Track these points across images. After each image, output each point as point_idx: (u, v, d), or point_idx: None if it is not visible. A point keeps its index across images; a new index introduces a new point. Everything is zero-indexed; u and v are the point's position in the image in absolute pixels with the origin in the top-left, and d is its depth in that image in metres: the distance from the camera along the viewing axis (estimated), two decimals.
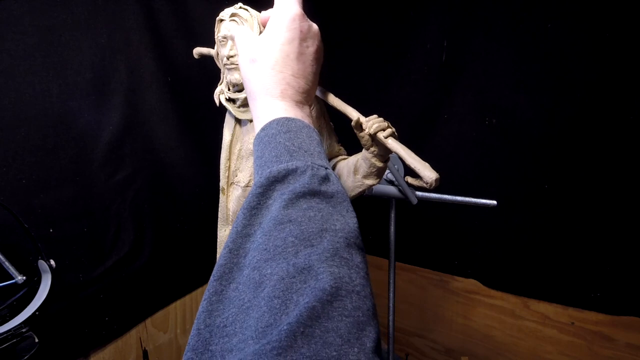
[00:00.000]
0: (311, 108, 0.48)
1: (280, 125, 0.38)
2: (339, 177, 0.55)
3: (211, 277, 0.28)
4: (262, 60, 0.42)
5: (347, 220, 0.30)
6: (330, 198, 0.32)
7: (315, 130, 0.40)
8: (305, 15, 0.44)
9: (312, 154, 0.36)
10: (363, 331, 0.24)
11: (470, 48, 1.26)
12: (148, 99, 1.11)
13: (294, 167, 0.33)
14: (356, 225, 0.31)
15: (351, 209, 0.32)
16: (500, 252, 1.35)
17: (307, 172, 0.32)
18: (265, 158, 0.35)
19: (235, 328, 0.25)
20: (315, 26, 0.45)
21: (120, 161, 1.05)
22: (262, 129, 0.38)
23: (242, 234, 0.30)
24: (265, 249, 0.28)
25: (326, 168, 0.34)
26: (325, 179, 0.33)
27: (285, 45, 0.42)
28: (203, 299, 0.27)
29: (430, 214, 1.45)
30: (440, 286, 1.53)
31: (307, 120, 0.40)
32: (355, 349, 0.22)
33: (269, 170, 0.33)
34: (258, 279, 0.26)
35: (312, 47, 0.44)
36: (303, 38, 0.43)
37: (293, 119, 0.39)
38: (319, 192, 0.31)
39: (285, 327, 0.22)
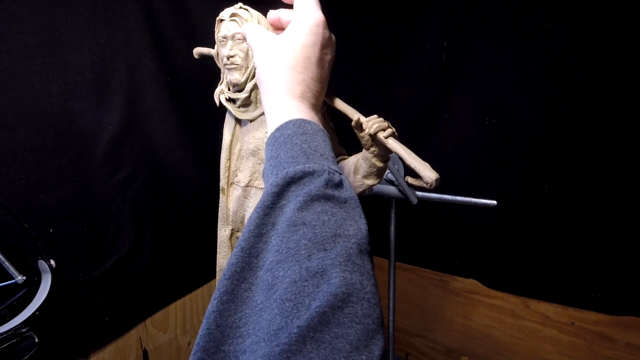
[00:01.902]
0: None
1: (296, 127, 0.37)
2: None
3: (222, 276, 0.28)
4: (283, 59, 0.42)
5: (359, 227, 0.30)
6: (344, 203, 0.32)
7: (328, 135, 0.40)
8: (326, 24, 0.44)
9: (327, 158, 0.36)
10: (372, 339, 0.23)
11: (470, 48, 1.26)
12: (148, 99, 1.11)
13: (311, 169, 0.33)
14: (367, 232, 0.31)
15: (363, 215, 0.32)
16: (500, 252, 1.35)
17: (322, 175, 0.32)
18: (281, 158, 0.35)
19: (249, 329, 0.25)
20: (333, 36, 0.46)
21: (120, 161, 1.05)
22: (278, 129, 0.38)
23: (255, 234, 0.29)
24: (278, 251, 0.28)
25: (340, 174, 0.34)
26: (340, 184, 0.33)
27: (307, 47, 0.42)
28: (213, 297, 0.27)
29: (430, 214, 1.45)
30: (440, 286, 1.53)
31: (320, 125, 0.40)
32: (364, 356, 0.22)
33: (285, 171, 0.33)
34: (271, 281, 0.26)
35: (329, 54, 0.45)
36: (324, 45, 0.44)
37: (309, 121, 0.39)
38: (332, 196, 0.31)
39: (295, 331, 0.22)
